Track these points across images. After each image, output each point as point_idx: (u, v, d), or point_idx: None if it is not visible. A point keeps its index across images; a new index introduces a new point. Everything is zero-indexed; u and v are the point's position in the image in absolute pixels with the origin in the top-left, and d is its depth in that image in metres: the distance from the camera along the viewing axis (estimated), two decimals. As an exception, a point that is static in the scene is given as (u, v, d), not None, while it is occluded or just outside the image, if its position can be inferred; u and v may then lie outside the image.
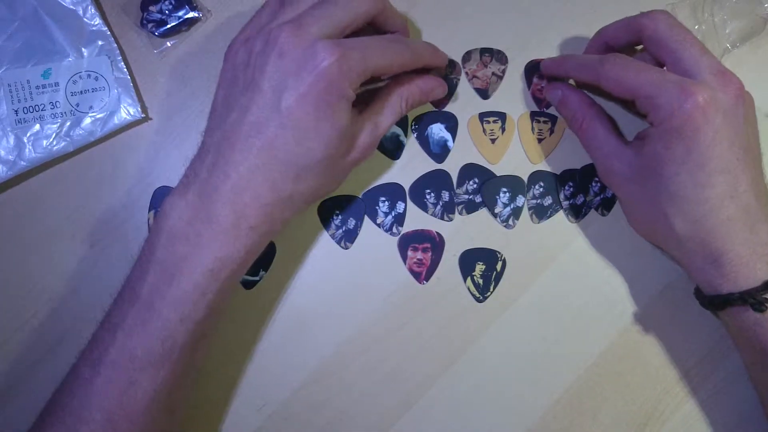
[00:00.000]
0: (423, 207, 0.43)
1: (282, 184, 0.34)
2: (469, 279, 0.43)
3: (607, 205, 0.43)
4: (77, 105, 0.42)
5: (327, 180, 0.36)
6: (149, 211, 0.43)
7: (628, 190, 0.38)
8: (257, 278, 0.42)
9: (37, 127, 0.41)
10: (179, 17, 0.43)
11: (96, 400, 0.32)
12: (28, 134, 0.41)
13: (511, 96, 0.44)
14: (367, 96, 0.39)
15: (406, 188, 0.43)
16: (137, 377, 0.33)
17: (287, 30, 0.33)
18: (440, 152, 0.44)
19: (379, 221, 0.43)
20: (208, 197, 0.33)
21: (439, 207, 0.43)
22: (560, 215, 0.43)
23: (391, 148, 0.44)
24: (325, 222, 0.43)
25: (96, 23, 0.42)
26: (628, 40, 0.39)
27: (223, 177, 0.33)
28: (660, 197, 0.35)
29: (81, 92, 0.42)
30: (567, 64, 0.41)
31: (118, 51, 0.42)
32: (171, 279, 0.33)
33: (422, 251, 0.43)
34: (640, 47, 0.42)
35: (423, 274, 0.43)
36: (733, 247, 0.34)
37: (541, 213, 0.43)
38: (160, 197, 0.42)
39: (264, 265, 0.42)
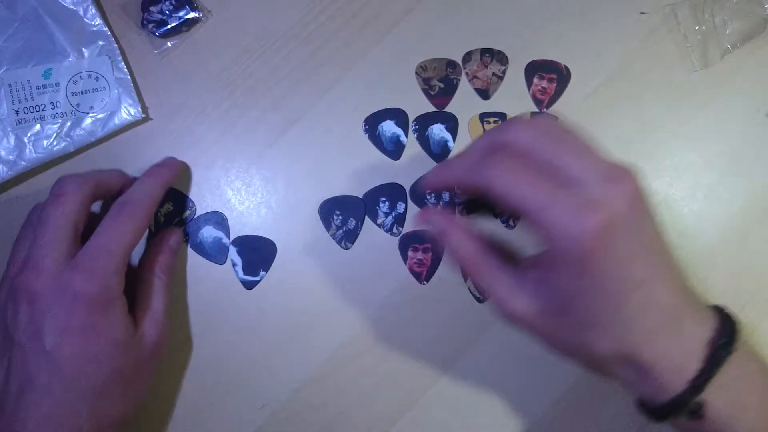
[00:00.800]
0: (424, 207, 0.43)
1: (77, 424, 0.32)
2: (469, 279, 0.43)
3: (607, 205, 0.43)
4: (78, 105, 0.42)
5: (128, 397, 0.35)
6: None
7: (537, 328, 0.33)
8: (257, 278, 0.42)
9: (38, 127, 0.41)
10: (180, 18, 0.43)
11: None
12: (29, 134, 0.41)
13: (512, 96, 0.44)
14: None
15: (407, 189, 0.43)
16: None
17: (27, 273, 0.32)
18: (441, 153, 0.44)
19: (379, 222, 0.43)
20: None
21: (439, 207, 0.43)
22: (560, 215, 0.43)
23: (392, 149, 0.44)
24: (326, 222, 0.43)
25: (96, 23, 0.42)
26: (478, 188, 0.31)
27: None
28: (576, 328, 0.31)
29: (81, 92, 0.42)
30: (449, 173, 0.34)
31: (118, 51, 0.42)
32: None
33: (423, 251, 0.43)
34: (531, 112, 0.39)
35: (423, 274, 0.43)
36: (662, 356, 0.30)
37: (541, 213, 0.43)
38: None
39: (264, 265, 0.43)
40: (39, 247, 0.33)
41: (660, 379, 0.30)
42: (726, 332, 0.31)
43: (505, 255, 0.34)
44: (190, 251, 0.42)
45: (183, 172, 0.43)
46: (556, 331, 0.32)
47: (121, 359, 0.33)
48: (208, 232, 0.43)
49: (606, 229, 0.27)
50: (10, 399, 0.32)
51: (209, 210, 0.43)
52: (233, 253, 0.42)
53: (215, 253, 0.42)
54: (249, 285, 0.42)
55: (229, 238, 0.43)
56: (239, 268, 0.42)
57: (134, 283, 0.38)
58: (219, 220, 0.43)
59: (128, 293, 0.36)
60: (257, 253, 0.43)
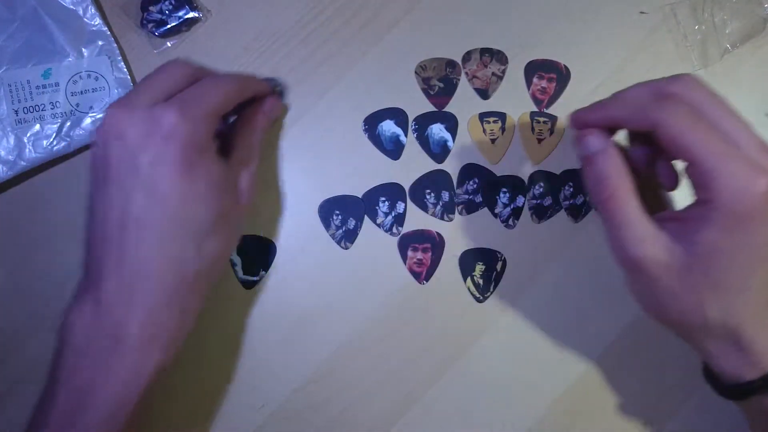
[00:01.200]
0: (423, 207, 0.43)
1: (184, 258, 0.32)
2: (469, 279, 0.43)
3: (607, 205, 0.43)
4: (77, 105, 0.42)
5: (227, 236, 0.35)
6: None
7: (657, 280, 0.32)
8: (257, 278, 0.42)
9: (38, 127, 0.41)
10: (179, 17, 0.43)
11: None
12: (29, 134, 0.41)
13: (511, 96, 0.44)
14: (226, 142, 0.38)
15: (406, 188, 0.43)
16: None
17: (116, 110, 0.32)
18: (440, 152, 0.44)
19: (379, 221, 0.43)
20: (108, 306, 0.31)
21: (439, 207, 0.43)
22: (560, 215, 0.43)
23: (391, 149, 0.44)
24: (325, 222, 0.43)
25: (96, 23, 0.42)
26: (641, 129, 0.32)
27: (117, 278, 0.31)
28: (699, 286, 0.31)
29: (81, 92, 0.42)
30: (611, 107, 0.34)
31: (118, 51, 0.42)
32: (79, 407, 0.31)
33: (422, 251, 0.43)
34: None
35: (423, 274, 0.43)
36: (764, 333, 0.32)
37: (541, 213, 0.43)
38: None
39: (264, 265, 0.43)
40: (136, 90, 0.33)
41: (753, 356, 0.32)
42: None
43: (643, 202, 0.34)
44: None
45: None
46: (674, 287, 0.32)
47: (218, 199, 0.33)
48: None
49: None
50: (113, 231, 0.31)
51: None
52: (233, 253, 0.42)
53: None
54: (248, 285, 0.42)
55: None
56: (239, 268, 0.42)
57: (232, 140, 0.38)
58: None
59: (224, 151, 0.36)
60: (256, 253, 0.43)
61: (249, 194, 0.37)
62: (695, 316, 0.32)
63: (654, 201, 0.37)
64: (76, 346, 0.32)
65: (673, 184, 0.37)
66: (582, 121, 0.36)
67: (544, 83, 0.44)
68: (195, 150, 0.32)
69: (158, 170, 0.31)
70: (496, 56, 0.44)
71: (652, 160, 0.36)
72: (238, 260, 0.42)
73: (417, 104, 0.44)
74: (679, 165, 0.35)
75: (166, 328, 0.32)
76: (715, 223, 0.30)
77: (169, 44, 0.43)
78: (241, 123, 0.39)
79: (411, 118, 0.44)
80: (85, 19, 0.42)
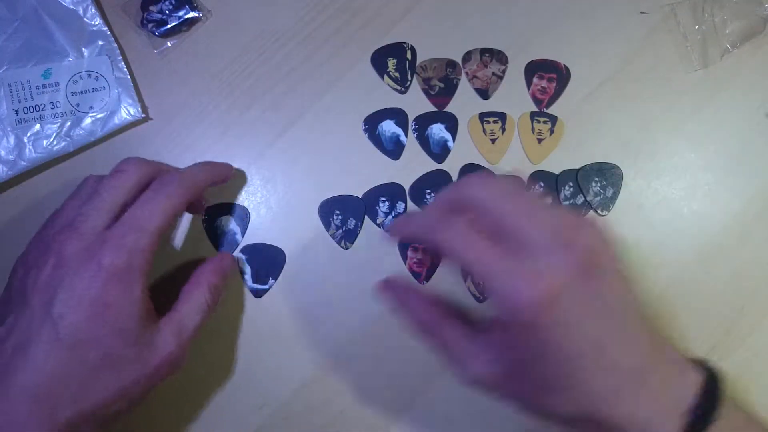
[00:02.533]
0: (423, 207, 0.43)
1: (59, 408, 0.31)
2: (469, 279, 0.43)
3: (606, 205, 0.43)
4: (77, 105, 0.42)
5: (127, 389, 0.33)
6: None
7: (502, 390, 0.33)
8: (266, 287, 0.42)
9: (38, 127, 0.41)
10: (179, 17, 0.43)
11: None
12: (29, 134, 0.41)
13: (511, 96, 0.44)
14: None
15: (406, 188, 0.43)
16: None
17: (63, 236, 0.32)
18: (440, 152, 0.44)
19: (379, 221, 0.43)
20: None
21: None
22: (560, 215, 0.43)
23: (392, 149, 0.44)
24: (325, 222, 0.43)
25: (96, 23, 0.42)
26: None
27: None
28: (535, 391, 0.31)
29: (81, 92, 0.42)
30: (410, 227, 0.35)
31: (118, 51, 0.42)
32: None
33: (422, 251, 0.43)
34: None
35: (423, 274, 0.43)
36: (631, 415, 0.30)
37: (541, 213, 0.43)
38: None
39: (273, 274, 0.42)
40: (83, 214, 0.33)
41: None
42: (709, 391, 0.30)
43: (465, 318, 0.35)
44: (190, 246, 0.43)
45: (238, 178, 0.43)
46: (519, 393, 0.32)
47: (124, 346, 0.32)
48: (226, 222, 0.43)
49: (550, 298, 0.28)
50: (4, 356, 0.31)
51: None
52: (242, 262, 0.42)
53: (226, 245, 0.42)
54: (258, 293, 0.42)
55: (243, 236, 0.43)
56: (248, 277, 0.42)
57: (179, 295, 0.37)
58: (242, 215, 0.43)
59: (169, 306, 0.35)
60: (266, 262, 0.42)
61: (170, 359, 0.34)
62: (554, 414, 0.31)
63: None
64: None
65: None
66: (394, 235, 0.38)
67: (544, 83, 0.44)
68: (120, 284, 0.32)
69: (71, 309, 0.31)
70: (496, 56, 0.44)
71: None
72: (247, 269, 0.42)
73: (417, 104, 0.44)
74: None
75: None
76: (510, 335, 0.30)
77: (169, 44, 0.43)
78: (194, 281, 0.37)
79: (411, 118, 0.44)
80: (86, 19, 0.42)
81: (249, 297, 0.42)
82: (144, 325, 0.33)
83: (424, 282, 0.43)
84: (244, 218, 0.43)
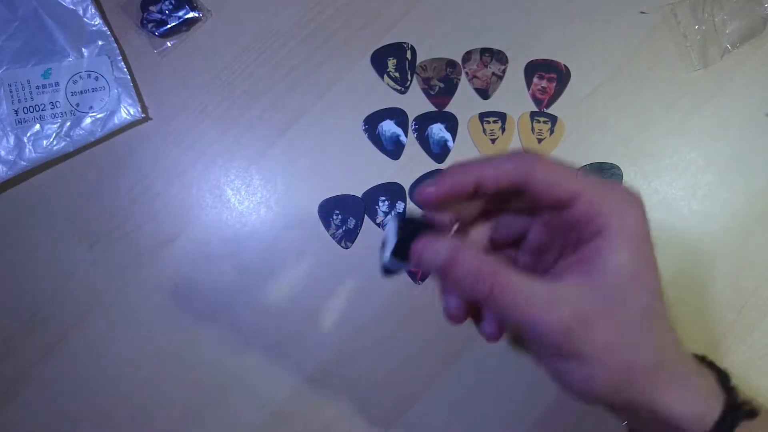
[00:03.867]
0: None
1: None
2: (469, 279, 0.43)
3: (607, 205, 0.43)
4: (77, 105, 0.42)
5: None
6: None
7: (585, 336, 0.28)
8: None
9: (38, 127, 0.41)
10: (179, 17, 0.43)
11: None
12: (29, 134, 0.41)
13: (511, 96, 0.44)
14: None
15: (406, 188, 0.43)
16: None
17: None
18: (440, 152, 0.44)
19: (379, 221, 0.43)
20: None
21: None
22: (560, 215, 0.43)
23: (392, 149, 0.44)
24: (325, 221, 0.43)
25: (96, 23, 0.42)
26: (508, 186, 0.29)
27: None
28: (632, 315, 0.28)
29: (81, 92, 0.42)
30: (477, 168, 0.29)
31: (118, 51, 0.42)
32: None
33: (422, 251, 0.43)
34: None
35: (420, 273, 0.43)
36: (676, 401, 0.29)
37: (541, 213, 0.43)
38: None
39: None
40: None
41: (682, 426, 0.29)
42: (728, 388, 0.30)
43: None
44: (194, 245, 0.43)
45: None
46: (607, 332, 0.28)
47: None
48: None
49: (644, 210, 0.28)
50: None
51: (210, 208, 0.43)
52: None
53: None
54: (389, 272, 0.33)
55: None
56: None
57: None
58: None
59: None
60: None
61: None
62: (645, 355, 0.29)
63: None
64: None
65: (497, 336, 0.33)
66: (442, 193, 0.30)
67: (544, 83, 0.44)
68: None
69: None
70: (496, 56, 0.44)
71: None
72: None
73: (417, 104, 0.44)
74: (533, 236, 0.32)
75: None
76: (619, 245, 0.28)
77: (169, 44, 0.43)
78: None
79: (411, 118, 0.44)
80: (85, 19, 0.42)
81: (250, 298, 0.42)
82: None
83: (419, 281, 0.43)
84: None
